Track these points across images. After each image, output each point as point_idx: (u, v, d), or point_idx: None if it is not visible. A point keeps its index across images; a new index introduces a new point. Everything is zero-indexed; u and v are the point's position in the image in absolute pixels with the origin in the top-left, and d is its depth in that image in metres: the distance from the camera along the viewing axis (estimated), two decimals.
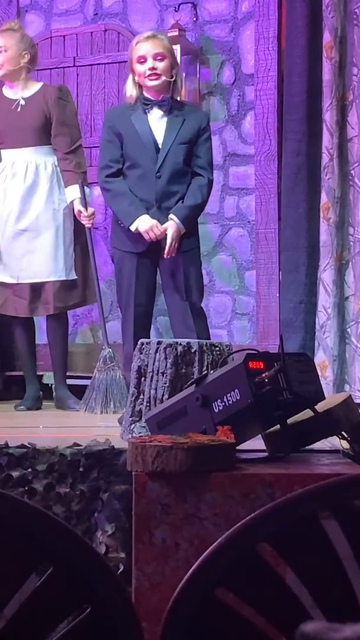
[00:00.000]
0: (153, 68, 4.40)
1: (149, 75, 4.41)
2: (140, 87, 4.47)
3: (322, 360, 4.96)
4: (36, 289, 4.92)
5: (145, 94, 4.46)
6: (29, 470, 2.99)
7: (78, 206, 4.92)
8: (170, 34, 5.34)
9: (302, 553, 1.77)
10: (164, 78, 4.41)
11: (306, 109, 5.15)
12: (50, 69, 5.98)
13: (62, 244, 4.91)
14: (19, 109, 4.93)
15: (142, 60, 4.42)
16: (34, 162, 4.90)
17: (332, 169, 5.03)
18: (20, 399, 5.09)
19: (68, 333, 5.11)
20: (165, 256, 4.39)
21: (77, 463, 2.99)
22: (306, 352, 3.92)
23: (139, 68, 4.43)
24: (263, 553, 1.76)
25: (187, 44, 5.64)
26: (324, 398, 2.98)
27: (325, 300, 5.03)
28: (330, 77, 5.05)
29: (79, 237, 4.98)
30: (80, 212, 4.93)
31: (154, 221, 4.35)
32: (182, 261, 4.43)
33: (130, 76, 4.50)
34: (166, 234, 4.36)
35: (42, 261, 4.89)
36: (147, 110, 4.44)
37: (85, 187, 4.94)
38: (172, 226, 4.37)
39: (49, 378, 5.45)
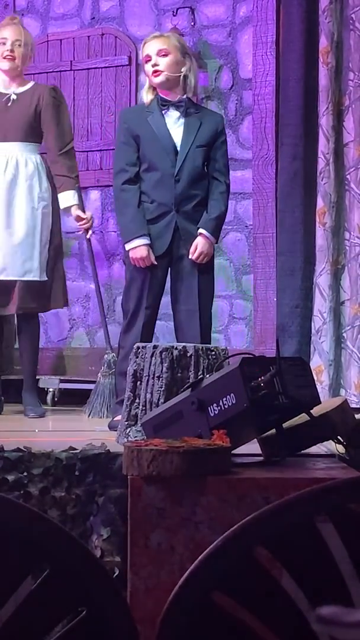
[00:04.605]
0: (155, 64, 4.35)
1: (153, 72, 4.36)
2: (155, 89, 4.41)
3: (318, 364, 4.96)
4: (6, 287, 4.80)
5: (161, 95, 4.39)
6: (25, 474, 2.99)
7: (76, 211, 4.88)
8: None
9: (298, 556, 1.77)
10: (166, 73, 4.34)
11: (302, 114, 5.14)
12: (47, 72, 5.97)
13: (38, 243, 4.79)
14: (9, 104, 4.88)
15: (148, 59, 4.38)
16: (15, 157, 4.82)
17: (328, 174, 5.03)
18: (17, 402, 5.05)
19: (39, 336, 4.96)
20: (190, 256, 4.28)
21: (73, 467, 2.99)
22: (302, 357, 3.92)
23: (146, 68, 4.39)
24: (259, 556, 1.77)
25: None
26: (320, 402, 2.98)
27: (321, 305, 5.03)
28: (326, 82, 5.05)
29: (54, 239, 4.88)
30: (79, 216, 4.91)
31: (146, 252, 4.26)
32: (198, 269, 4.32)
33: (147, 80, 4.47)
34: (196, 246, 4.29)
35: (17, 259, 4.76)
36: (164, 112, 4.37)
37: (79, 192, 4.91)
38: (204, 242, 4.29)
39: (44, 382, 5.45)
